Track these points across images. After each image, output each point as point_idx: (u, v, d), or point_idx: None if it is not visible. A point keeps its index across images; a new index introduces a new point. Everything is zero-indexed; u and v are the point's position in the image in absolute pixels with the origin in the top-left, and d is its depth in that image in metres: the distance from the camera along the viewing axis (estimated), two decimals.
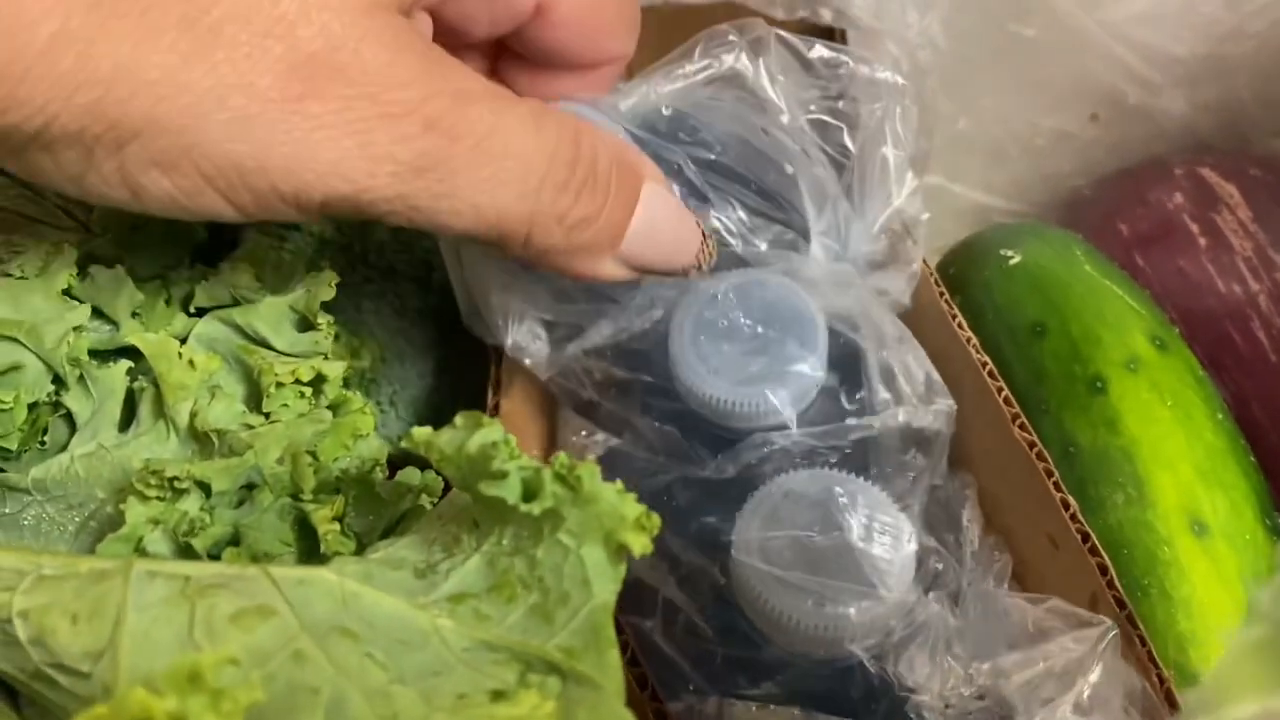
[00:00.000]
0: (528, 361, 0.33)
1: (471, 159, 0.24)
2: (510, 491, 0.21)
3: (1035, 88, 0.56)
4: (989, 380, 0.35)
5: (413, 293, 0.41)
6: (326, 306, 0.33)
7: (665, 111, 0.34)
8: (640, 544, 0.21)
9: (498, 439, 0.22)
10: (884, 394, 0.31)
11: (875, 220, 0.34)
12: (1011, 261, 0.43)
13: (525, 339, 0.33)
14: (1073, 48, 0.53)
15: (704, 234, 0.30)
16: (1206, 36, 0.52)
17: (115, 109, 0.21)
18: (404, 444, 0.23)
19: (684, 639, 0.30)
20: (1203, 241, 0.46)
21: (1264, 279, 0.44)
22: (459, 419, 0.22)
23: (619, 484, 0.22)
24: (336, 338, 0.35)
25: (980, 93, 0.56)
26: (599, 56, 0.31)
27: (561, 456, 0.22)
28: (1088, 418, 0.38)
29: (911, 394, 0.31)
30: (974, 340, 0.36)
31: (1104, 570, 0.31)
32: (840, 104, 0.34)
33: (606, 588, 0.21)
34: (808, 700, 0.29)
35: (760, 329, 0.31)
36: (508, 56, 0.32)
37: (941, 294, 0.37)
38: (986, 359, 0.35)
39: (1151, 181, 0.50)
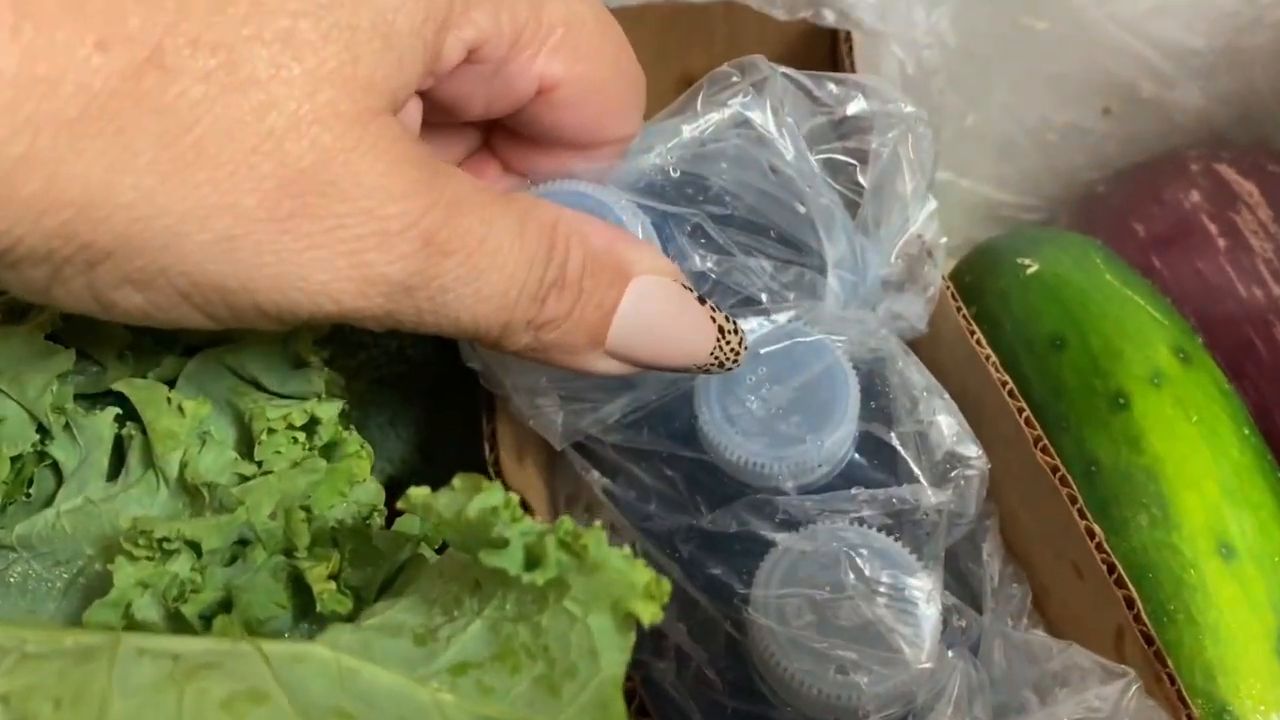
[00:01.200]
0: (539, 429, 0.32)
1: (460, 274, 0.23)
2: (512, 561, 0.20)
3: (1047, 82, 0.54)
4: (1010, 400, 0.34)
5: None
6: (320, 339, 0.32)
7: (674, 173, 0.32)
8: (650, 613, 0.20)
9: (498, 504, 0.21)
10: (912, 467, 0.30)
11: (892, 246, 0.33)
12: (1029, 271, 0.41)
13: (538, 410, 0.31)
14: (1085, 41, 0.52)
15: (724, 329, 0.28)
16: (1223, 28, 0.50)
17: (86, 231, 0.20)
18: (400, 505, 0.22)
19: (694, 687, 0.29)
20: (1221, 243, 0.45)
21: None
22: (457, 481, 0.21)
23: (626, 550, 0.20)
24: (332, 361, 0.34)
25: (991, 87, 0.55)
26: (602, 138, 0.30)
27: (566, 522, 0.21)
28: (1110, 435, 0.37)
29: (940, 461, 0.30)
30: (993, 358, 0.34)
31: (1130, 603, 0.30)
32: (852, 140, 0.33)
33: (615, 659, 0.20)
34: None
35: (793, 390, 0.30)
36: (502, 130, 0.30)
37: (959, 309, 0.36)
38: (1007, 378, 0.34)
39: (1167, 179, 0.49)
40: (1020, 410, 0.33)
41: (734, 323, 0.28)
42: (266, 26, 0.21)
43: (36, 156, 0.19)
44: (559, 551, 0.20)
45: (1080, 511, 0.32)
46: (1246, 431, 0.37)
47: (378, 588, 0.26)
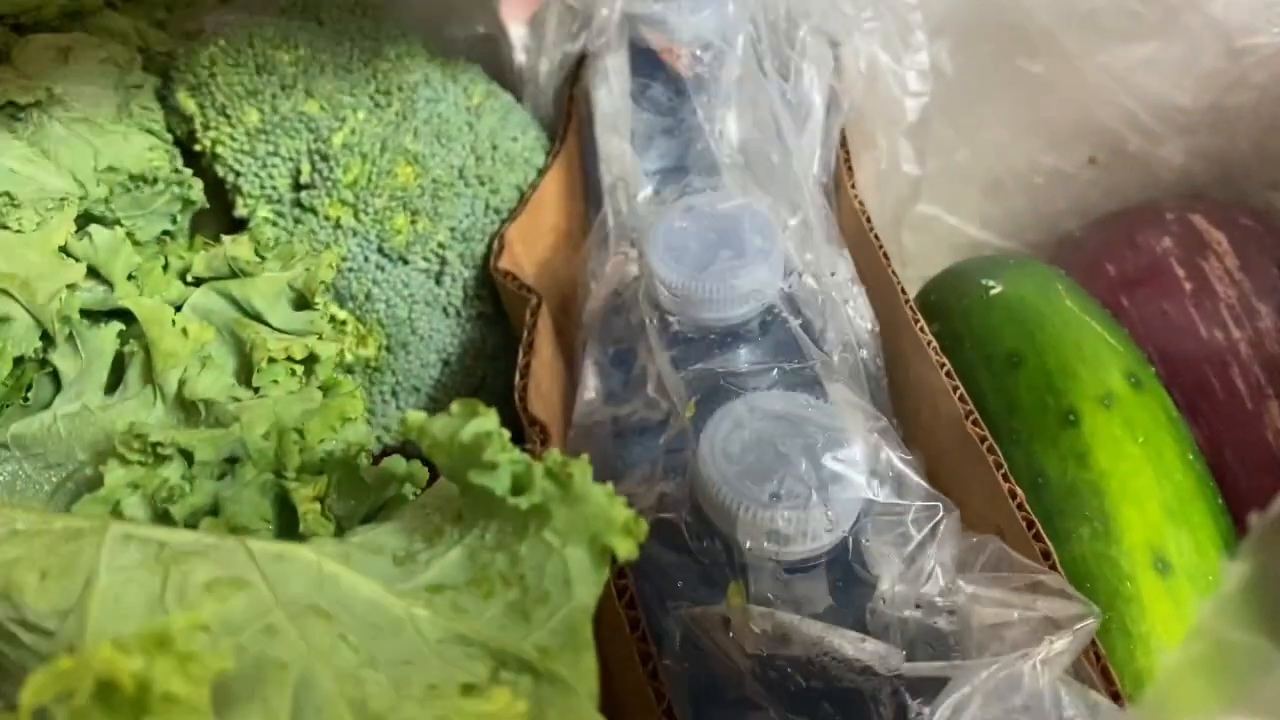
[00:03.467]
0: None
1: None
2: (499, 483, 0.21)
3: (1037, 125, 0.56)
4: (959, 405, 0.35)
5: (423, 285, 0.41)
6: (338, 296, 0.33)
7: None
8: (626, 548, 0.21)
9: (491, 429, 0.22)
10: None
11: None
12: (992, 291, 0.43)
13: None
14: (1077, 88, 0.54)
15: None
16: (1209, 86, 0.52)
17: None
18: (398, 429, 0.23)
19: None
20: (1188, 286, 0.47)
21: (1246, 327, 0.45)
22: (455, 406, 0.22)
23: (610, 486, 0.22)
24: (342, 324, 0.35)
25: (983, 124, 0.57)
26: None
27: (554, 453, 0.22)
28: (1058, 450, 0.38)
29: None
30: (934, 344, 0.36)
31: (1046, 555, 0.31)
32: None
33: (588, 590, 0.21)
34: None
35: (730, 235, 0.34)
36: None
37: (916, 320, 0.37)
38: (958, 383, 0.35)
39: (1142, 224, 0.51)
40: (955, 389, 0.35)
41: None
42: None
43: None
44: (545, 480, 0.21)
45: (1004, 475, 0.33)
46: (1191, 458, 0.39)
47: (359, 520, 0.27)
